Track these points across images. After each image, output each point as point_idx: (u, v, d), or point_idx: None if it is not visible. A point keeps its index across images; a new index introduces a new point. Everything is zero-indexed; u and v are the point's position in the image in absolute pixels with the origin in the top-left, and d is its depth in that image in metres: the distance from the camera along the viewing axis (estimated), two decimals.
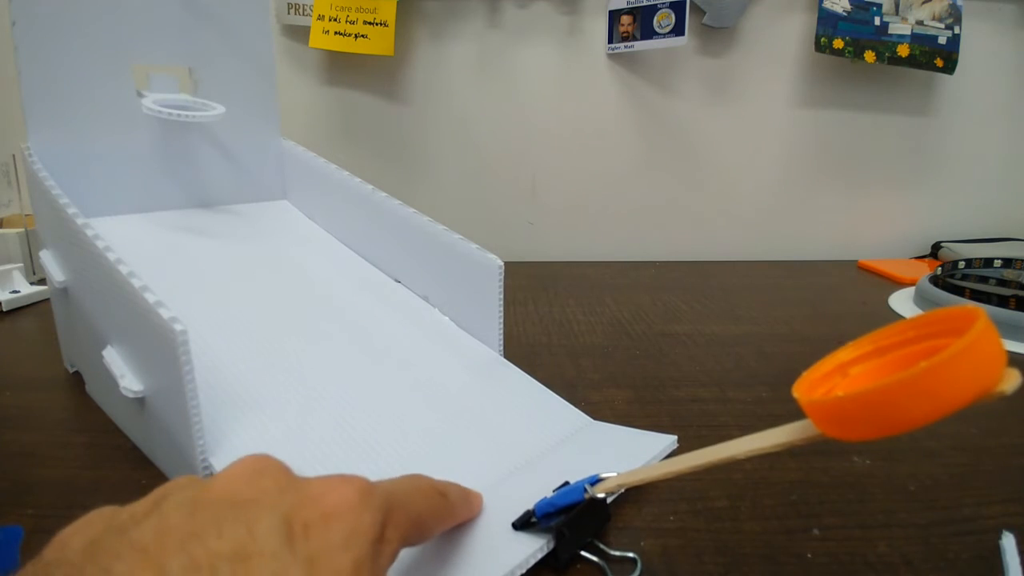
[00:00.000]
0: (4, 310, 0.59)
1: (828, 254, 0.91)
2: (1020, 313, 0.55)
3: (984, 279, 0.62)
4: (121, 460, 0.35)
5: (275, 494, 0.17)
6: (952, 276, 0.65)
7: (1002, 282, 0.60)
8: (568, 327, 0.57)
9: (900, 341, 0.18)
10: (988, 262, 0.66)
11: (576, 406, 0.38)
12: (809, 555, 0.27)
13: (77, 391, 0.43)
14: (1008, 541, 0.28)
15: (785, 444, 0.19)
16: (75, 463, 0.34)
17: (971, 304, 0.16)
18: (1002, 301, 0.57)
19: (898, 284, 0.75)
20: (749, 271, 0.80)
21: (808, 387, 0.19)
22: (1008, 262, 0.66)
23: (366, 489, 0.18)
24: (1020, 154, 0.90)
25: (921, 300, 0.65)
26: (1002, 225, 0.92)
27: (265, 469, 0.18)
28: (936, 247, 0.89)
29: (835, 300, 0.69)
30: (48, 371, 0.46)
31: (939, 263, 0.72)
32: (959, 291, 0.61)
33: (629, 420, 0.38)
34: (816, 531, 0.29)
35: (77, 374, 0.45)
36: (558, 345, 0.53)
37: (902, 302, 0.67)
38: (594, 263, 0.83)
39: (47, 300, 0.61)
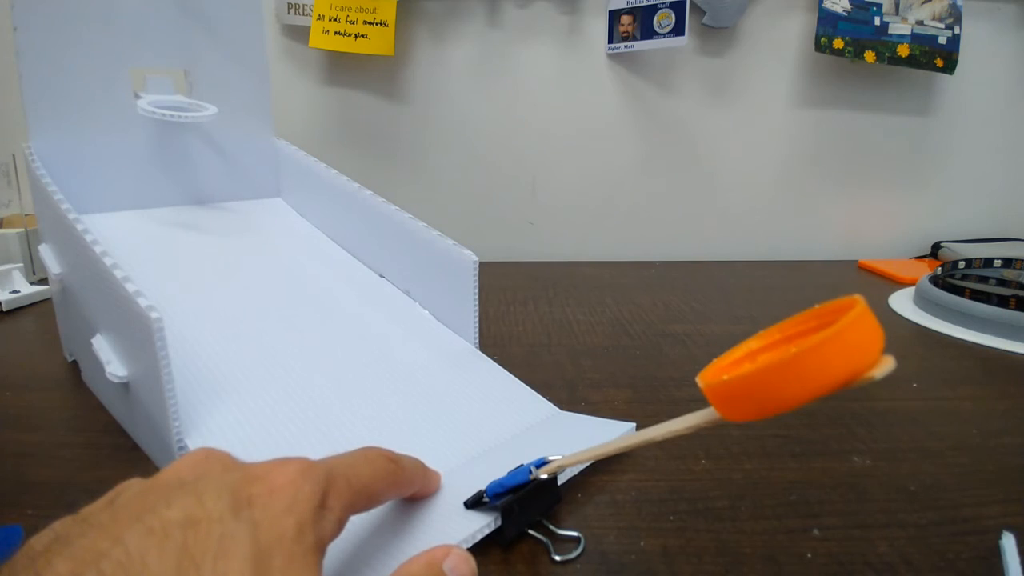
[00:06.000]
0: (4, 310, 0.59)
1: (828, 254, 0.91)
2: (1020, 313, 0.55)
3: (984, 279, 0.61)
4: (121, 460, 0.35)
5: (221, 473, 0.19)
6: (952, 276, 0.65)
7: (1002, 282, 0.60)
8: (568, 327, 0.57)
9: (804, 330, 0.20)
10: (988, 262, 0.66)
11: (576, 406, 0.38)
12: (809, 555, 0.27)
13: (77, 391, 0.43)
14: (1008, 541, 0.28)
15: (694, 427, 0.21)
16: (74, 463, 0.34)
17: (858, 296, 0.17)
18: (1002, 301, 0.57)
19: (898, 284, 0.75)
20: (749, 271, 0.80)
21: (714, 373, 0.20)
22: (1008, 262, 0.66)
23: (306, 466, 0.20)
24: (1020, 154, 0.90)
25: (921, 300, 0.65)
26: (1002, 225, 0.92)
27: (210, 456, 0.20)
28: (936, 247, 0.89)
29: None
30: (48, 371, 0.46)
31: (939, 263, 0.72)
32: (959, 291, 0.61)
33: (629, 420, 0.38)
34: (816, 531, 0.29)
35: (75, 364, 0.45)
36: (558, 345, 0.53)
37: (902, 302, 0.67)
38: (594, 263, 0.83)
39: (47, 300, 0.61)
